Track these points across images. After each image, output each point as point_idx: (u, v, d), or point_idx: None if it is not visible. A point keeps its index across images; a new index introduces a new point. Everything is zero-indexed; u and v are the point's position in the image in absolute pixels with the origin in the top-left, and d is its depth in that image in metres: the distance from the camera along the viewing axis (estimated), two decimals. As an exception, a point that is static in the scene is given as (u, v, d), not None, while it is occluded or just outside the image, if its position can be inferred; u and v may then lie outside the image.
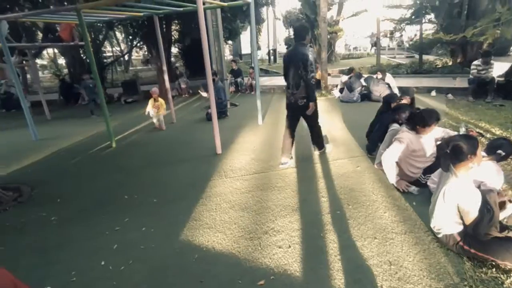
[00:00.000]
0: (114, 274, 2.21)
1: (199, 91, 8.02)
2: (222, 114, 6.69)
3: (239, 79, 10.57)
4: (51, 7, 8.04)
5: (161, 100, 6.23)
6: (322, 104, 7.64)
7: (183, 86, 10.85)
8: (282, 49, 29.96)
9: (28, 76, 15.09)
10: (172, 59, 15.88)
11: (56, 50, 18.83)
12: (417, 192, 2.97)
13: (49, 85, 15.20)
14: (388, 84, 7.27)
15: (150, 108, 6.14)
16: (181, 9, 5.99)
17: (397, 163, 3.07)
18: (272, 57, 21.66)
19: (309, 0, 14.58)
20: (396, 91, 7.37)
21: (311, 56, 3.48)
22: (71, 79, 12.75)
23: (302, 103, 3.67)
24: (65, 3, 8.55)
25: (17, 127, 7.44)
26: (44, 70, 23.59)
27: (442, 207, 2.13)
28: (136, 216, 2.99)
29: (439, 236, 2.22)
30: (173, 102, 7.07)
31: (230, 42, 18.81)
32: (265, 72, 15.47)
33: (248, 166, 4.00)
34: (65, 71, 15.59)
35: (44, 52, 22.38)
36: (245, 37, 22.37)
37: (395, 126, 3.53)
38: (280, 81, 11.20)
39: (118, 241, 2.58)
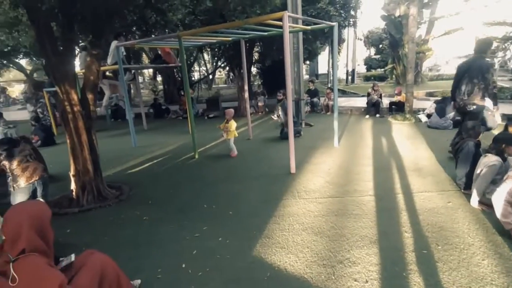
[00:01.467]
0: (193, 278, 2.38)
1: (272, 116, 8.26)
2: (295, 133, 6.72)
3: (315, 99, 10.56)
4: (156, 32, 9.43)
5: (231, 123, 5.71)
6: (407, 129, 7.09)
7: (260, 104, 11.32)
8: (362, 69, 28.99)
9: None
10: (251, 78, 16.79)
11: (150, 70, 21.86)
12: None
13: (146, 100, 17.56)
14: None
15: (221, 127, 5.82)
16: (266, 33, 6.36)
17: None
18: (350, 77, 21.11)
19: (395, 19, 13.92)
20: (498, 119, 6.39)
21: (491, 69, 3.94)
22: (164, 96, 14.48)
23: (471, 109, 4.08)
24: (166, 30, 9.89)
25: (122, 134, 8.77)
26: (144, 86, 27.39)
27: None
28: (214, 225, 3.19)
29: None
30: (250, 119, 7.44)
31: (308, 62, 19.02)
32: (342, 93, 15.11)
33: (323, 189, 3.92)
34: (160, 87, 17.87)
35: (145, 71, 26.14)
36: (322, 57, 22.32)
37: (494, 160, 3.05)
38: (358, 102, 10.81)
39: (197, 247, 2.79)
